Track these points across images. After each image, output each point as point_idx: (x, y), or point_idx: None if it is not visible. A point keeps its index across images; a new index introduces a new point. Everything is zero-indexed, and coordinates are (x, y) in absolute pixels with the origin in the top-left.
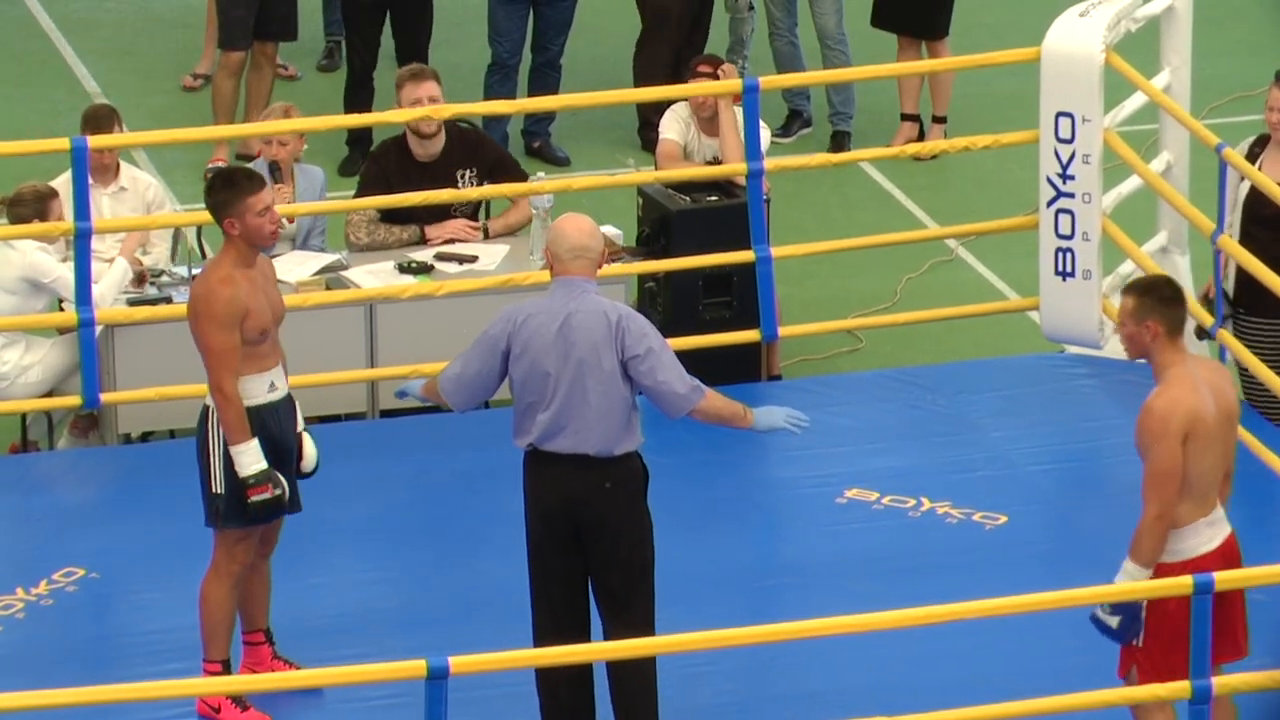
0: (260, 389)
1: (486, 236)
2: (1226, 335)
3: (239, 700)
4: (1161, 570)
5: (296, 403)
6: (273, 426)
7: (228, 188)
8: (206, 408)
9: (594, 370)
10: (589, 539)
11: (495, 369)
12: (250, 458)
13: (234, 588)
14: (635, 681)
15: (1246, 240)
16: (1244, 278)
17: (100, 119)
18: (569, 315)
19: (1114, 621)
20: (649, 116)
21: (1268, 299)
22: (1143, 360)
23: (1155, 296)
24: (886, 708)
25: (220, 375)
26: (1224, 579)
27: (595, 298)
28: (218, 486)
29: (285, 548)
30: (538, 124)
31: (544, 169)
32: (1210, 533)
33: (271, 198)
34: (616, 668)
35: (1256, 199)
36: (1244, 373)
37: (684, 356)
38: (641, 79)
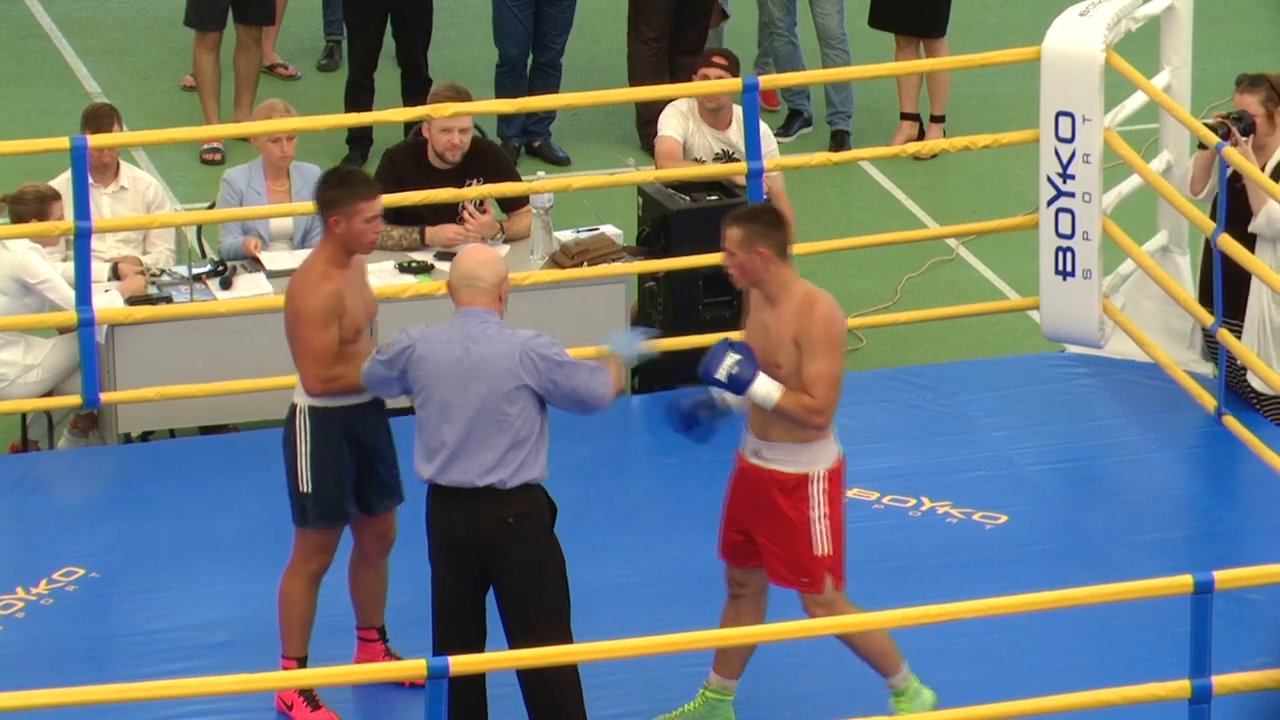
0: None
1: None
2: (1226, 335)
3: (310, 698)
4: (830, 474)
5: None
6: (358, 428)
7: (344, 185)
8: (294, 406)
9: (495, 401)
10: (496, 573)
11: (394, 380)
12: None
13: (311, 585)
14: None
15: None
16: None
17: (99, 118)
18: (469, 346)
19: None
20: (645, 114)
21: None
22: (754, 287)
23: (762, 223)
24: (887, 708)
25: (318, 373)
26: (1225, 579)
27: (497, 329)
28: (305, 485)
29: (284, 547)
30: (538, 123)
31: (544, 168)
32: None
33: (381, 208)
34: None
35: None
36: (1236, 369)
37: (685, 355)
38: (630, 71)
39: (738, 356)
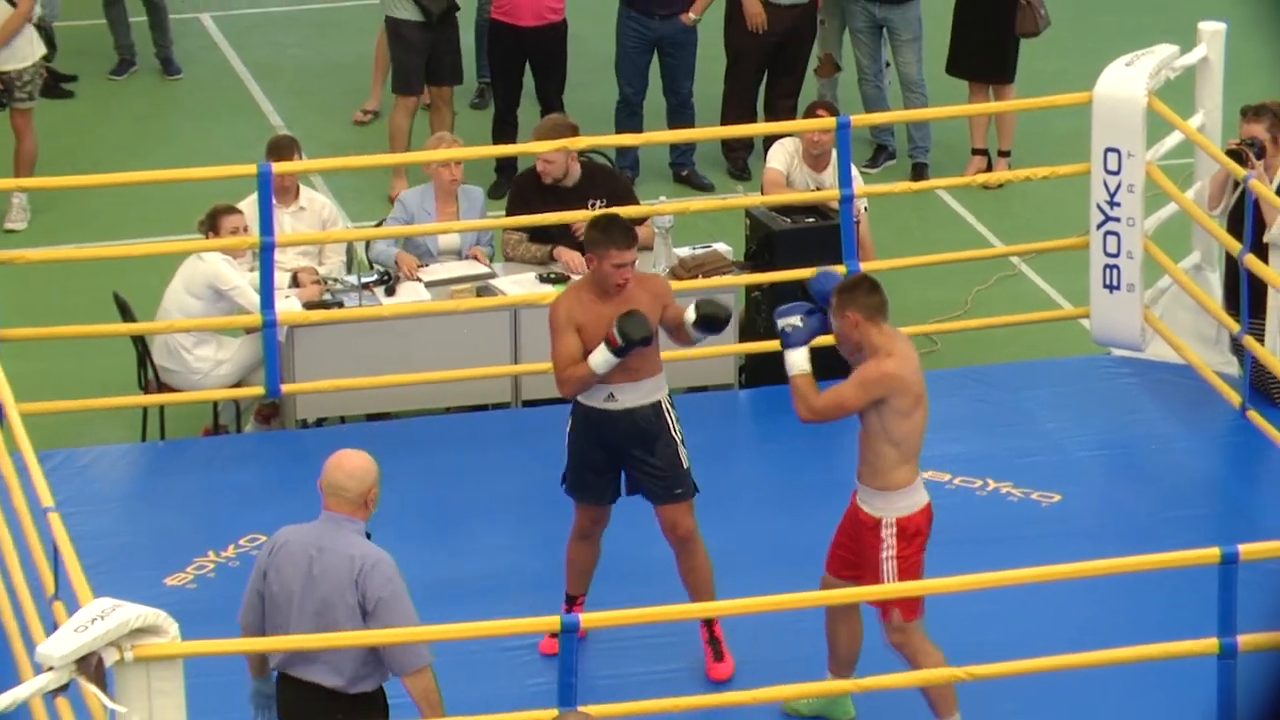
0: (597, 396)
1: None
2: (1251, 341)
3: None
4: (900, 522)
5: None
6: (604, 432)
7: (604, 231)
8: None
9: (337, 608)
10: None
11: (258, 602)
12: (600, 357)
13: (577, 540)
14: None
15: None
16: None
17: (282, 148)
18: (320, 551)
19: (794, 321)
20: (730, 143)
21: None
22: (855, 353)
23: (849, 293)
24: (956, 660)
25: (556, 374)
26: (1248, 551)
27: (349, 538)
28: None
29: (433, 523)
30: (682, 156)
31: (691, 194)
32: (922, 493)
33: (633, 258)
34: None
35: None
36: (1260, 369)
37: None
38: (723, 109)
39: (800, 325)
